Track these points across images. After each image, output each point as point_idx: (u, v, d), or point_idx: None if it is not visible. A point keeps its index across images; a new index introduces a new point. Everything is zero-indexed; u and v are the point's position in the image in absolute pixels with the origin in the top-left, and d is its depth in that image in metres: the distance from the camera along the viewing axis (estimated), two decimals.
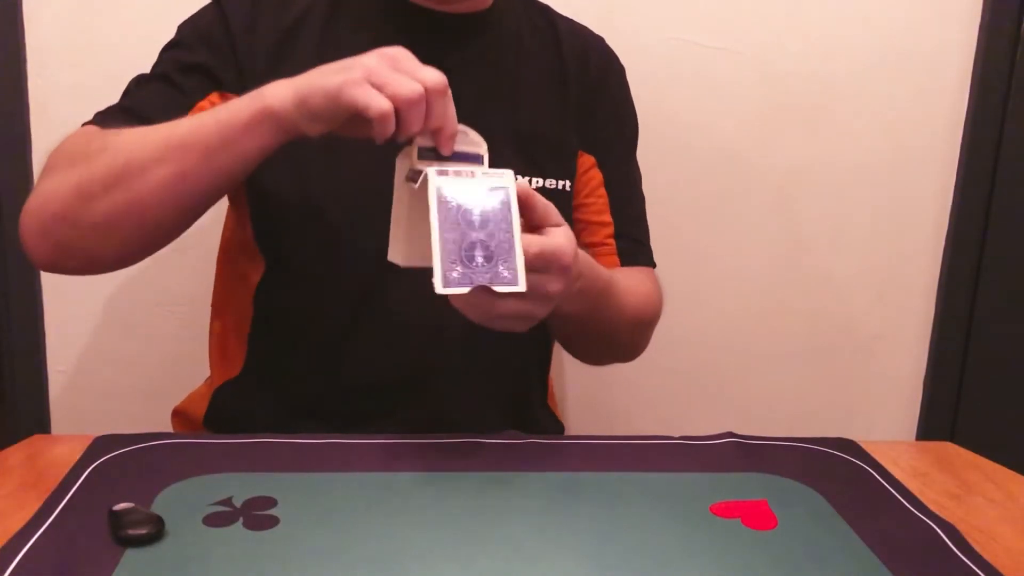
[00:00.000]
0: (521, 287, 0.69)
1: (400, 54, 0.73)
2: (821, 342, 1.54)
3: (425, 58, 0.94)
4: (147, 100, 0.89)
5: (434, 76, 0.71)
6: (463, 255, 0.69)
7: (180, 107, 0.87)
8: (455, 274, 0.68)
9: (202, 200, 0.81)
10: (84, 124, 0.90)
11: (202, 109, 0.88)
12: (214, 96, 0.90)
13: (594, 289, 0.84)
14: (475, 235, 0.69)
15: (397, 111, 0.70)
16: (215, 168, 0.77)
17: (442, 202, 0.69)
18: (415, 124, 0.70)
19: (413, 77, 0.70)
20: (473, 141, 0.76)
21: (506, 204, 0.71)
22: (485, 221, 0.70)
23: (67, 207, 0.79)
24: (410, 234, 0.75)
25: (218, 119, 0.77)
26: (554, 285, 0.73)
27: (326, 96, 0.72)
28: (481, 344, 0.95)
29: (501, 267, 0.69)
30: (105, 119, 0.88)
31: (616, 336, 0.97)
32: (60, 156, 0.84)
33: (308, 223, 0.91)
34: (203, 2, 0.96)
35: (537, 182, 0.95)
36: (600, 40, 1.06)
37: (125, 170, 0.77)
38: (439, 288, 0.67)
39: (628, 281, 0.95)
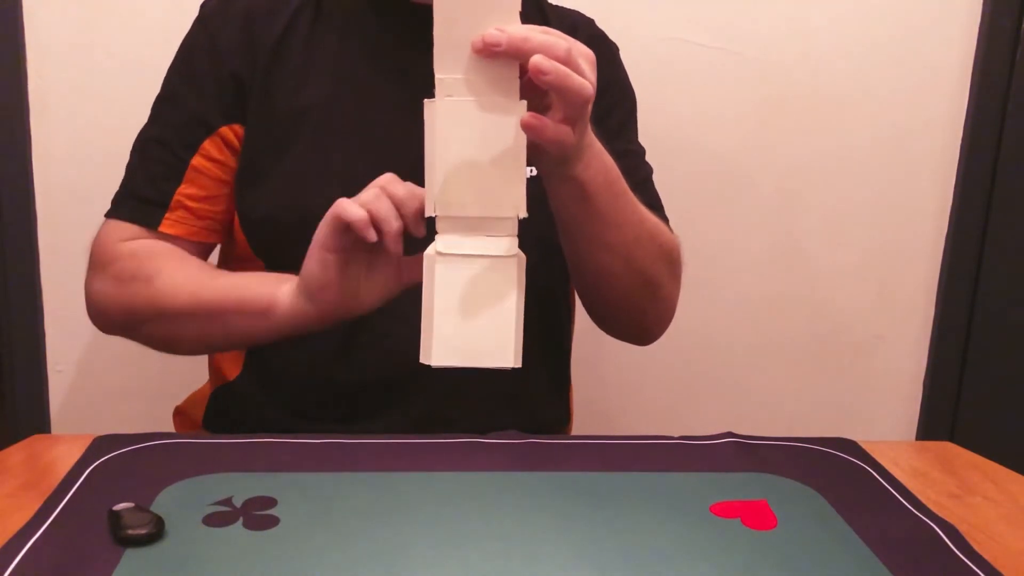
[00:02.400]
0: (516, 364, 0.69)
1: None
2: (821, 342, 1.54)
3: (414, 51, 0.94)
4: (149, 173, 0.94)
5: (383, 178, 0.77)
6: (460, 333, 0.69)
7: (176, 173, 0.93)
8: (447, 351, 0.69)
9: (227, 347, 0.96)
10: (109, 214, 0.96)
11: (197, 169, 0.93)
12: (207, 145, 0.93)
13: (612, 170, 0.82)
14: (475, 319, 0.69)
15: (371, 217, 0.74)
16: (233, 337, 0.89)
17: (442, 281, 0.69)
18: (387, 218, 0.74)
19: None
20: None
21: (509, 276, 0.69)
22: (486, 302, 0.69)
23: (120, 322, 0.94)
24: (444, 329, 0.71)
25: (237, 296, 0.86)
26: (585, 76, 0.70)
27: (314, 251, 0.77)
28: None
29: (496, 352, 0.69)
30: (123, 213, 0.95)
31: (638, 254, 0.90)
32: (106, 260, 0.93)
33: (305, 237, 0.91)
34: (198, 3, 0.96)
35: (531, 171, 0.94)
36: (588, 22, 1.05)
37: (163, 315, 0.89)
38: (432, 361, 0.69)
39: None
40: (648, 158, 1.07)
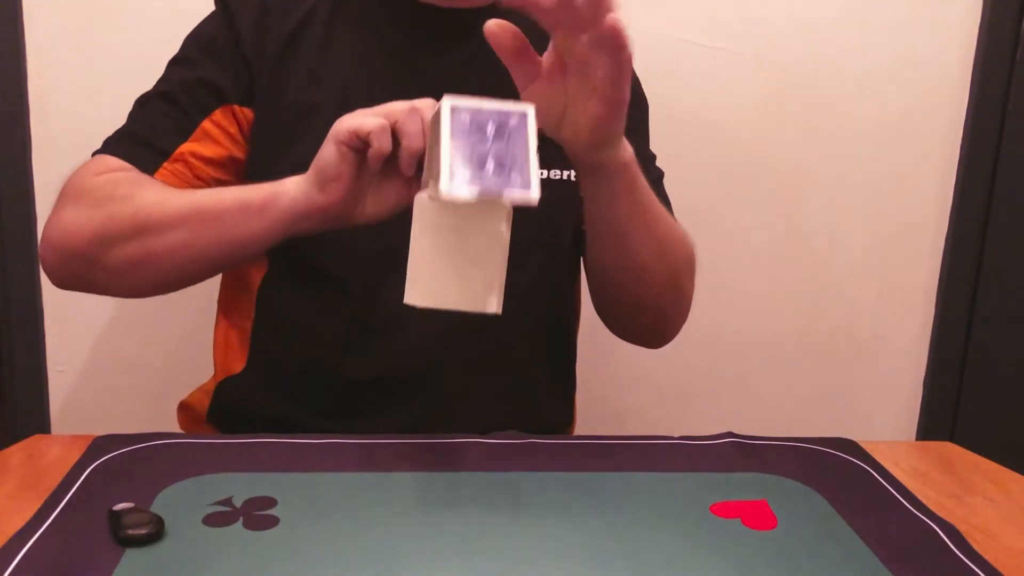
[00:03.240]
0: (534, 193, 0.64)
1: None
2: (821, 342, 1.54)
3: (429, 54, 0.94)
4: (152, 125, 0.91)
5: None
6: (474, 162, 0.64)
7: (183, 130, 0.90)
8: (459, 179, 0.63)
9: (212, 265, 0.86)
10: (97, 153, 0.91)
11: (206, 131, 0.91)
12: (218, 114, 0.91)
13: (637, 175, 0.81)
14: (488, 146, 0.65)
15: (396, 131, 0.72)
16: (226, 242, 0.81)
17: (456, 117, 0.65)
18: (413, 138, 0.72)
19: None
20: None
21: (523, 120, 0.66)
22: (500, 134, 0.66)
23: (87, 247, 0.84)
24: (429, 271, 0.71)
25: (236, 195, 0.81)
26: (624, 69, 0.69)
27: (326, 142, 0.74)
28: (484, 339, 0.95)
29: (514, 174, 0.65)
30: (117, 149, 0.90)
31: (664, 255, 0.90)
32: (80, 187, 0.87)
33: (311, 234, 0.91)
34: (199, 4, 0.96)
35: (542, 173, 0.94)
36: None
37: (145, 226, 0.82)
38: (445, 188, 0.61)
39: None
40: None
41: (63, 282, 0.90)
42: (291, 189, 0.78)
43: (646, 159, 1.04)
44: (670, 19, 1.39)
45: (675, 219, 0.99)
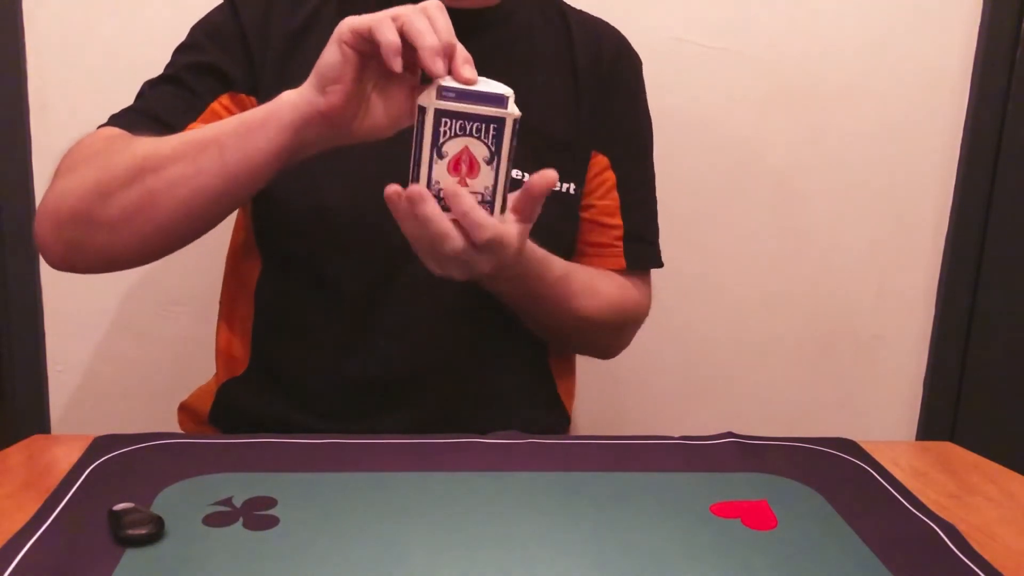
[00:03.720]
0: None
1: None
2: (821, 342, 1.54)
3: None
4: (160, 102, 0.90)
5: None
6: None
7: (193, 108, 0.89)
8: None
9: (216, 201, 0.79)
10: (100, 127, 0.90)
11: (215, 112, 0.90)
12: (225, 98, 0.91)
13: (532, 279, 0.86)
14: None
15: (404, 31, 0.69)
16: (230, 167, 0.76)
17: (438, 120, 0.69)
18: (426, 34, 0.69)
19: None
20: (496, 85, 0.72)
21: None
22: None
23: (84, 203, 0.79)
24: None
25: (238, 118, 0.78)
26: (484, 265, 0.73)
27: (329, 42, 0.71)
28: (482, 340, 0.95)
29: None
30: (121, 121, 0.88)
31: (561, 330, 0.98)
32: (77, 155, 0.84)
33: (315, 227, 0.91)
34: (199, 4, 0.96)
35: (520, 175, 0.94)
36: (614, 32, 1.04)
37: (142, 167, 0.77)
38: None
39: (597, 283, 0.97)
40: None
41: (61, 256, 0.84)
42: (292, 96, 0.75)
43: (645, 185, 1.05)
44: (670, 19, 1.39)
45: (650, 255, 1.05)
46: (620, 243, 1.01)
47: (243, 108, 0.90)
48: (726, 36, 1.40)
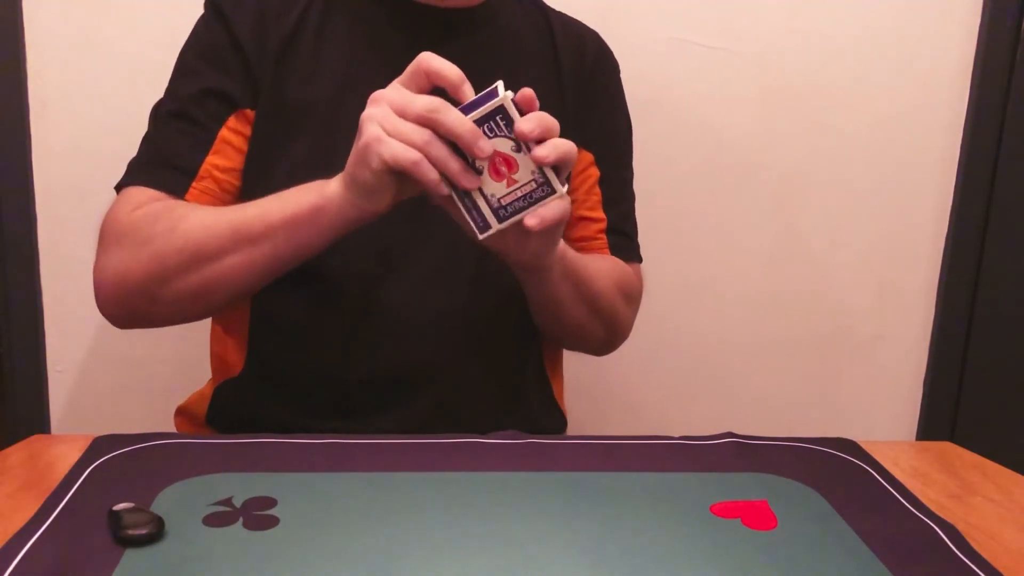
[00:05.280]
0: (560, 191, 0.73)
1: (395, 96, 0.73)
2: (821, 342, 1.54)
3: (422, 41, 0.93)
4: (171, 145, 0.91)
5: (429, 103, 0.71)
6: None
7: (203, 143, 0.91)
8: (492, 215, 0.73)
9: (269, 278, 0.86)
10: (124, 185, 0.92)
11: (225, 140, 0.91)
12: (232, 120, 0.91)
13: (570, 264, 0.88)
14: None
15: (433, 159, 0.71)
16: (281, 255, 0.83)
17: None
18: (450, 161, 0.71)
19: (417, 117, 0.71)
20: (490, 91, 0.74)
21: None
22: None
23: (143, 285, 0.86)
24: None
25: (281, 210, 0.81)
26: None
27: (360, 162, 0.74)
28: (480, 341, 0.95)
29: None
30: (143, 178, 0.91)
31: (579, 316, 0.96)
32: (122, 229, 0.87)
33: None
34: (199, 4, 0.96)
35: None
36: (595, 35, 1.06)
37: (197, 257, 0.83)
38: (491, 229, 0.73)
39: (599, 262, 0.98)
40: (648, 158, 1.08)
41: (124, 323, 0.92)
42: (335, 199, 0.78)
43: (624, 181, 1.07)
44: (670, 19, 1.39)
45: (631, 247, 1.06)
46: (603, 235, 1.03)
47: (248, 123, 0.92)
48: (726, 36, 1.40)
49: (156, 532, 0.63)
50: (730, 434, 0.84)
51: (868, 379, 1.56)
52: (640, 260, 1.07)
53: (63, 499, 0.68)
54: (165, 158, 0.91)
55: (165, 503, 0.68)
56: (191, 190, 0.90)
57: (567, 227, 1.01)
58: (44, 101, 1.34)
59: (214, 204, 0.91)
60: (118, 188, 0.92)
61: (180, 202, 0.88)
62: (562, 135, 0.97)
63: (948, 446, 0.89)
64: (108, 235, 0.89)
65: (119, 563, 0.60)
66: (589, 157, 1.01)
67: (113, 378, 1.43)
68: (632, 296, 1.04)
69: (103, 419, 1.43)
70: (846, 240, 1.50)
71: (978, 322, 1.54)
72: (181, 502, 0.68)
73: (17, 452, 0.79)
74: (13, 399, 1.44)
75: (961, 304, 1.54)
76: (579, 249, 1.00)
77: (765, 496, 0.73)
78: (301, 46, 0.92)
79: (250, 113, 0.92)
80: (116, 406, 1.43)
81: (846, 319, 1.53)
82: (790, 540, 0.66)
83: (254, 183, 0.92)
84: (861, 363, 1.56)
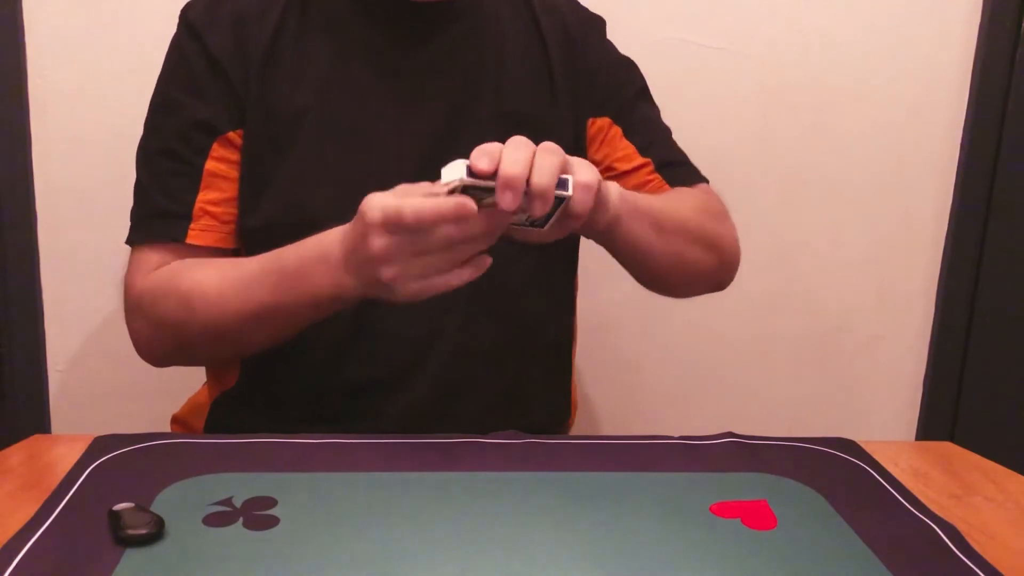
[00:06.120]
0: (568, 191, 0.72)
1: (406, 242, 0.71)
2: (821, 342, 1.54)
3: (405, 48, 0.92)
4: (164, 191, 0.91)
5: (444, 238, 0.70)
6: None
7: (192, 179, 0.91)
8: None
9: (290, 335, 0.88)
10: (133, 242, 0.93)
11: (212, 172, 0.91)
12: (215, 149, 0.91)
13: (640, 208, 0.85)
14: None
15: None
16: (296, 323, 0.85)
17: None
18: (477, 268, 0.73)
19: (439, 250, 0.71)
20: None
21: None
22: None
23: (173, 353, 0.93)
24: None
25: (299, 291, 0.81)
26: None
27: (383, 291, 0.75)
28: (481, 335, 0.95)
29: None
30: (148, 231, 0.92)
31: (680, 253, 0.92)
32: (139, 301, 0.91)
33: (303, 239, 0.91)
34: None
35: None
36: (572, 3, 1.04)
37: (219, 337, 0.87)
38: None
39: (668, 197, 0.95)
40: None
41: (160, 366, 0.97)
42: (349, 285, 0.77)
43: (651, 122, 1.04)
44: (670, 19, 1.39)
45: (690, 171, 1.03)
46: (655, 175, 1.00)
47: (234, 146, 0.91)
48: (726, 36, 1.40)
49: (156, 532, 0.63)
50: (730, 434, 0.84)
51: (868, 379, 1.56)
52: (705, 180, 1.04)
53: (63, 499, 0.68)
54: (158, 207, 0.91)
55: (165, 503, 0.68)
56: (191, 232, 0.90)
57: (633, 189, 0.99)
58: (44, 101, 1.34)
59: (217, 240, 0.92)
60: (128, 243, 0.93)
61: (185, 269, 0.89)
62: (553, 118, 0.97)
63: (948, 446, 0.89)
64: (128, 301, 0.93)
65: (119, 563, 0.60)
66: (605, 121, 1.00)
67: (113, 378, 1.43)
68: (716, 212, 1.00)
69: (103, 419, 1.43)
70: (846, 240, 1.50)
71: (978, 322, 1.54)
72: (181, 502, 0.68)
73: (17, 452, 0.79)
74: (13, 399, 1.44)
75: (961, 304, 1.54)
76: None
77: (765, 496, 0.73)
78: (282, 55, 0.91)
79: (233, 136, 0.91)
80: (116, 406, 1.43)
81: (846, 319, 1.53)
82: (790, 540, 0.66)
83: (254, 203, 0.91)
84: (861, 363, 1.56)
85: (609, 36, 1.06)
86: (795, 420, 1.56)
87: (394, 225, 0.70)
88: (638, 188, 0.99)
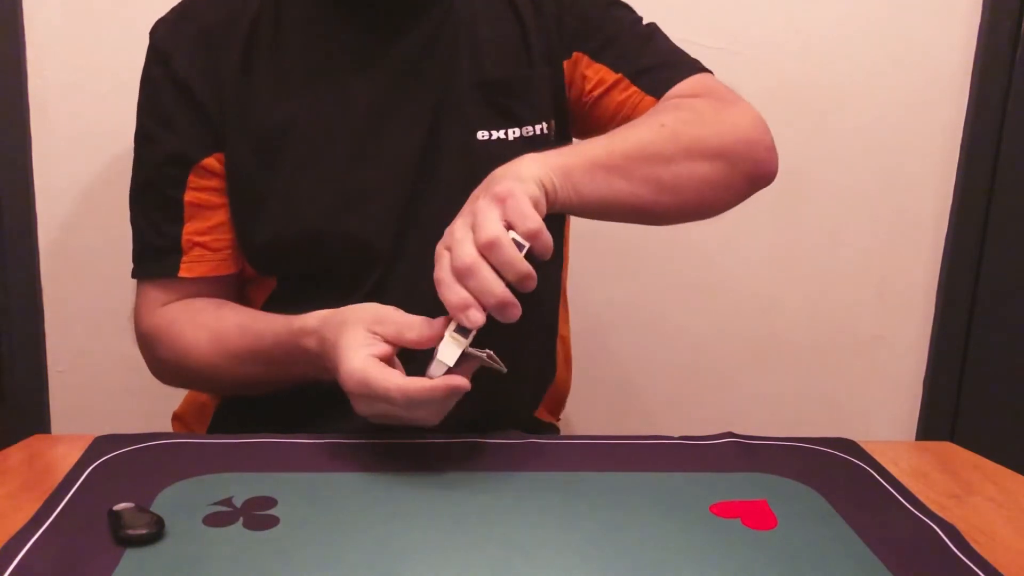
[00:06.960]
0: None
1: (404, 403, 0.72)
2: (821, 342, 1.54)
3: (384, 38, 0.89)
4: (152, 228, 0.93)
5: (442, 398, 0.72)
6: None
7: (175, 212, 0.91)
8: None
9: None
10: (136, 277, 0.96)
11: (193, 203, 0.91)
12: (192, 180, 0.91)
13: (590, 168, 0.80)
14: None
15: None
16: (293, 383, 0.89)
17: None
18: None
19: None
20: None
21: None
22: None
23: (178, 385, 0.99)
24: None
25: (285, 375, 0.87)
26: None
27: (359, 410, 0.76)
28: (477, 341, 0.94)
29: None
30: (145, 269, 0.95)
31: (672, 187, 0.84)
32: (145, 339, 0.96)
33: (311, 252, 0.91)
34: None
35: (514, 132, 0.92)
36: None
37: (218, 388, 0.97)
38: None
39: (638, 122, 0.87)
40: None
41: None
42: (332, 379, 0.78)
43: (629, 34, 0.98)
44: (670, 19, 1.38)
45: (679, 64, 0.96)
46: (632, 87, 0.94)
47: (213, 172, 0.91)
48: (726, 36, 1.40)
49: (156, 532, 0.63)
50: (730, 434, 0.84)
51: (868, 379, 1.56)
52: (699, 71, 0.96)
53: (63, 499, 0.68)
54: (149, 243, 0.93)
55: (165, 503, 0.68)
56: (182, 267, 0.91)
57: (603, 125, 0.95)
58: (44, 101, 1.34)
59: (210, 269, 0.92)
60: (133, 277, 0.96)
61: (181, 325, 0.91)
62: (533, 77, 0.93)
63: (948, 446, 0.89)
64: (136, 334, 0.97)
65: (119, 563, 0.60)
66: (577, 55, 0.95)
67: (113, 378, 1.43)
68: (707, 108, 0.89)
69: (103, 419, 1.43)
70: (846, 240, 1.50)
71: (978, 322, 1.54)
72: (181, 502, 0.68)
73: (17, 452, 0.79)
74: (13, 399, 1.44)
75: (961, 304, 1.54)
76: (627, 118, 0.93)
77: (765, 496, 0.73)
78: (258, 67, 0.89)
79: (210, 162, 0.90)
80: (116, 406, 1.43)
81: (846, 319, 1.53)
82: (790, 540, 0.66)
83: (252, 222, 0.91)
84: (861, 363, 1.56)
85: None
86: (795, 420, 1.56)
87: (380, 402, 0.73)
88: (617, 110, 0.94)
